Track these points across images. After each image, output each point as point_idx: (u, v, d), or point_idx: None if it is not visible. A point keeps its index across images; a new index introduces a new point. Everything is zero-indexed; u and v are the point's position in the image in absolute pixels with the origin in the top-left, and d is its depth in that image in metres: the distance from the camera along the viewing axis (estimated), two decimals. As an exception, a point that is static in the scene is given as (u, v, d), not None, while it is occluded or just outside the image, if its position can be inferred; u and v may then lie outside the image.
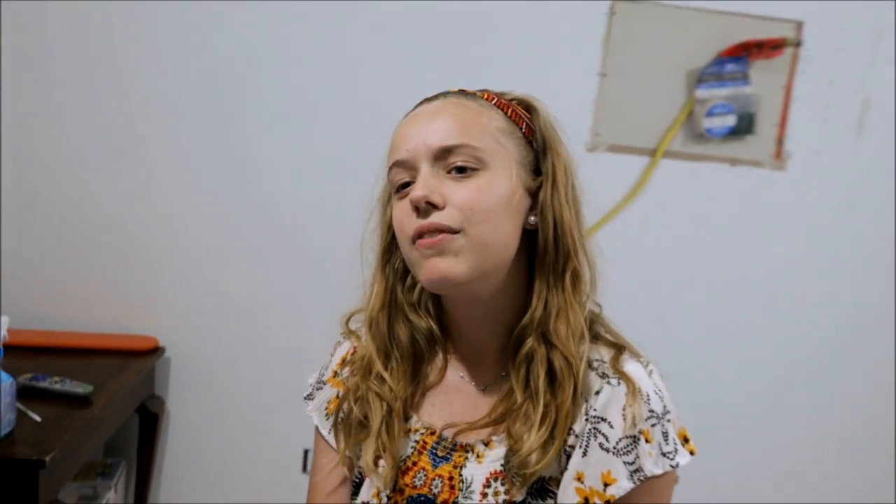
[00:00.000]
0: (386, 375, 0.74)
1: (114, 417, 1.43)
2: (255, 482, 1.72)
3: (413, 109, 0.75)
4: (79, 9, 1.56)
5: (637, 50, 1.64)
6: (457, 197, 0.68)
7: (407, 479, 0.74)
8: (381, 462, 0.74)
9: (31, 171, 1.60)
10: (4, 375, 1.14)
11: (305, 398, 0.84)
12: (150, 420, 1.62)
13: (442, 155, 0.69)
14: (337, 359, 0.83)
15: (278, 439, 1.69)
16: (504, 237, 0.69)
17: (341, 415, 0.77)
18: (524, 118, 0.75)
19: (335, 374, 0.82)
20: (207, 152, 1.63)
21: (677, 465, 0.68)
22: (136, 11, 1.57)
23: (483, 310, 0.73)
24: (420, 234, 0.68)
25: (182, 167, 1.63)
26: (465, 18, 1.61)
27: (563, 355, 0.69)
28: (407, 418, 0.76)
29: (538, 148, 0.74)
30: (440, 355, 0.78)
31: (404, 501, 0.73)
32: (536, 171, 0.74)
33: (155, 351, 1.61)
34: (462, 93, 0.75)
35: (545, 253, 0.71)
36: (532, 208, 0.73)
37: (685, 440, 0.71)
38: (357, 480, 0.78)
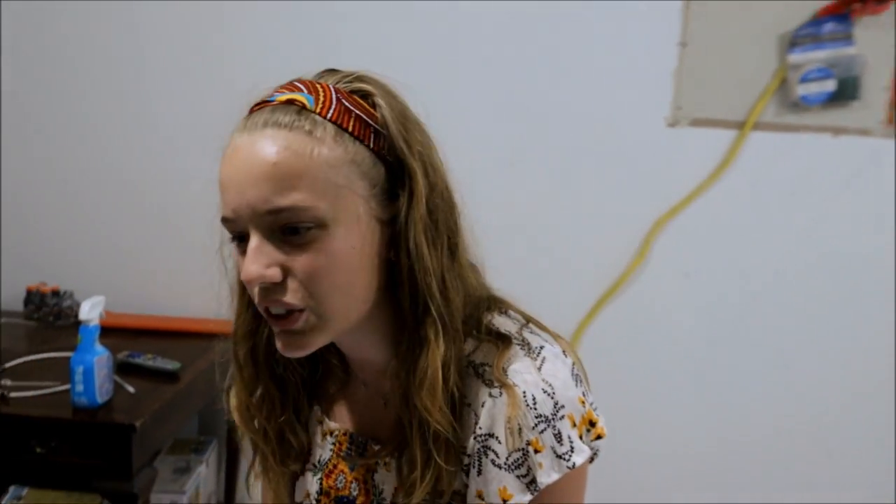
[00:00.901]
0: (255, 409, 0.72)
1: (200, 393, 1.56)
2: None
3: (232, 137, 0.64)
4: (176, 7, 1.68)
5: (721, 14, 1.55)
6: (296, 267, 0.61)
7: (331, 482, 0.73)
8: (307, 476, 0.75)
9: (125, 163, 1.75)
10: (102, 348, 1.29)
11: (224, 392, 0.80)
12: (237, 400, 1.75)
13: (269, 218, 0.60)
14: None
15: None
16: (358, 295, 0.63)
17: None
18: (370, 126, 0.63)
19: None
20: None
21: (574, 465, 0.64)
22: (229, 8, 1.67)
23: (357, 346, 0.70)
24: (266, 309, 0.63)
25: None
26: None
27: (415, 399, 0.63)
28: (321, 422, 0.75)
29: (390, 158, 0.63)
30: (338, 365, 0.75)
31: (332, 502, 0.73)
32: (392, 190, 0.63)
33: (239, 334, 1.73)
34: (287, 107, 0.62)
35: (402, 298, 0.64)
36: (392, 239, 0.64)
37: (591, 425, 0.66)
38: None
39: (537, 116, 1.62)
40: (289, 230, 0.60)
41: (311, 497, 0.74)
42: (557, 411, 0.64)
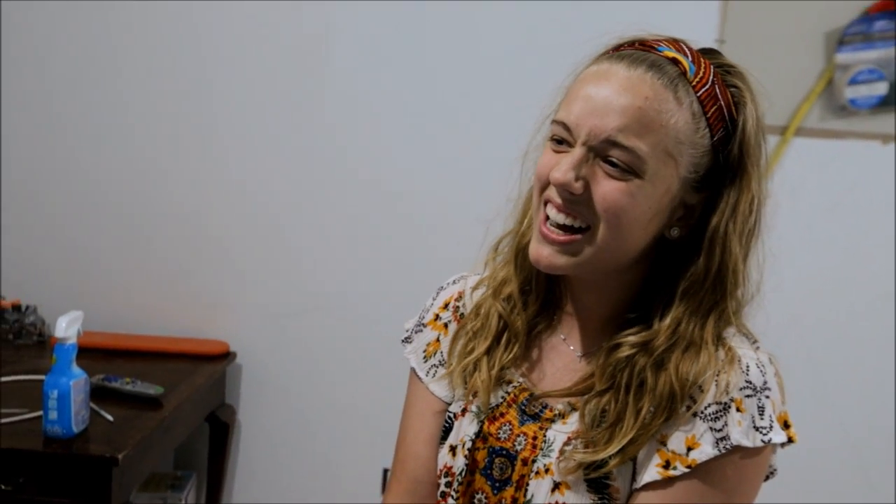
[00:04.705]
0: (517, 299, 0.79)
1: (184, 422, 1.53)
2: (330, 499, 1.78)
3: (607, 59, 0.73)
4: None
5: (762, 10, 1.57)
6: (598, 191, 0.71)
7: (492, 429, 0.79)
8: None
9: (103, 176, 1.73)
10: (79, 371, 1.26)
11: (403, 341, 0.89)
12: (220, 430, 1.72)
13: (604, 145, 0.70)
14: (440, 302, 0.88)
15: (356, 454, 1.75)
16: (630, 246, 0.73)
17: (464, 330, 0.82)
18: (724, 120, 0.73)
19: (436, 317, 0.87)
20: (280, 151, 1.71)
21: (769, 442, 0.70)
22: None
23: (592, 288, 0.78)
24: (547, 217, 0.73)
25: (254, 166, 1.72)
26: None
27: (673, 389, 0.71)
28: (504, 368, 0.81)
29: (728, 164, 0.73)
30: (552, 309, 0.82)
31: (486, 450, 0.79)
32: (706, 181, 0.73)
33: (226, 356, 1.71)
34: (670, 63, 0.71)
35: (700, 284, 0.73)
36: (682, 219, 0.74)
37: (785, 425, 0.73)
38: (447, 426, 0.83)
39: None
40: (611, 162, 0.70)
41: (466, 439, 0.79)
42: (764, 388, 0.72)
